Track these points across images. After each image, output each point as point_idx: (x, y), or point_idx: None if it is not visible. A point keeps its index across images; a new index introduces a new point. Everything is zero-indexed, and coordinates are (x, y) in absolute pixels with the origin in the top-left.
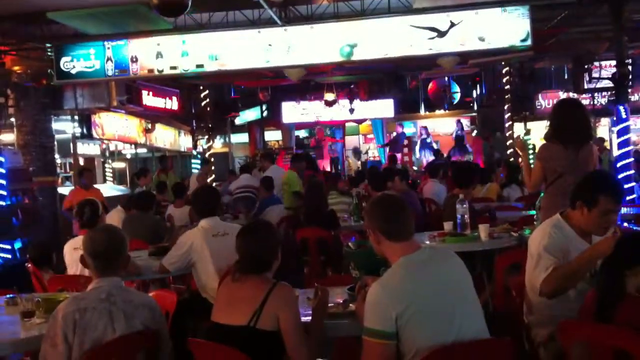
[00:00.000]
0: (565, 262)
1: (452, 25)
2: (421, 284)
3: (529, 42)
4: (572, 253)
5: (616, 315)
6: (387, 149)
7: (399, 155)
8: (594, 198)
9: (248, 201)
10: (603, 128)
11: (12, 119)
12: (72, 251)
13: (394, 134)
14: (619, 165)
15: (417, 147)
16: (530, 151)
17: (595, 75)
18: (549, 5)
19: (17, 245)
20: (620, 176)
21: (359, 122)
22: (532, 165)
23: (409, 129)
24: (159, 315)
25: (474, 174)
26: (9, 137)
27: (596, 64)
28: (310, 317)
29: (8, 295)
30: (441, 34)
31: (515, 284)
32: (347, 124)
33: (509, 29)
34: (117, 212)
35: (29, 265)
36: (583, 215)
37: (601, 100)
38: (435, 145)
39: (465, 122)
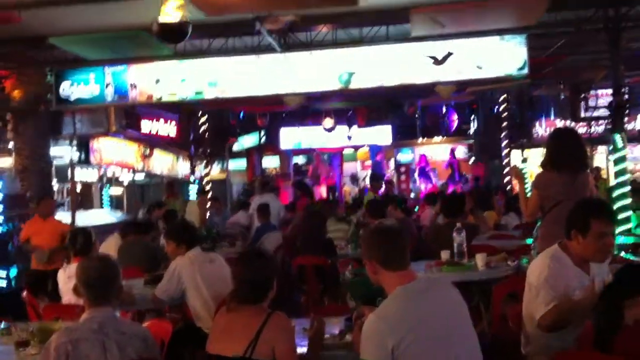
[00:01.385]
0: (565, 298)
1: (450, 54)
2: (418, 314)
3: (526, 71)
4: (572, 284)
5: (614, 345)
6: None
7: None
8: (586, 224)
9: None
10: (600, 156)
11: (11, 144)
12: (67, 279)
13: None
14: (615, 194)
15: (416, 174)
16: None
17: (592, 103)
18: (546, 33)
19: (13, 272)
20: (616, 205)
21: (357, 148)
22: (528, 194)
23: (406, 155)
24: (153, 345)
25: (462, 204)
26: (7, 161)
27: (593, 92)
28: (306, 348)
29: (2, 325)
30: (439, 62)
31: (512, 313)
32: (344, 151)
33: (507, 57)
34: (114, 239)
35: (25, 293)
36: (579, 244)
37: (598, 128)
38: (432, 174)
39: (463, 149)
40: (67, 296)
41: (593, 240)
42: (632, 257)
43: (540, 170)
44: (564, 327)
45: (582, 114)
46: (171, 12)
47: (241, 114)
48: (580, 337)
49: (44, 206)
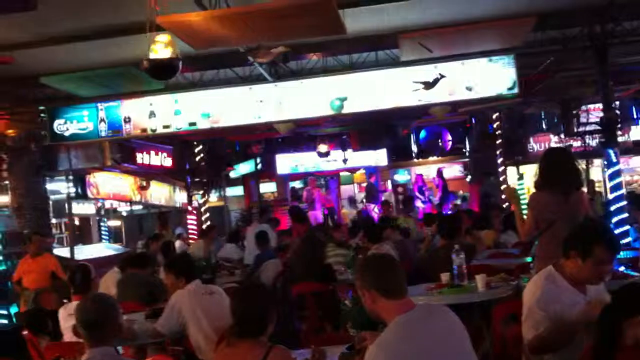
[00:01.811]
0: (558, 321)
1: (441, 77)
2: (418, 343)
3: (515, 90)
4: (566, 305)
5: None
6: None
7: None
8: (588, 248)
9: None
10: (596, 169)
11: (6, 182)
12: (67, 317)
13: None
14: (612, 208)
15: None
16: (523, 197)
17: (583, 119)
18: (534, 52)
19: (14, 309)
20: (614, 220)
21: (353, 171)
22: (523, 214)
23: (402, 176)
24: None
25: (458, 225)
26: (3, 199)
27: (583, 107)
28: None
29: None
30: (429, 85)
31: (511, 334)
32: (341, 173)
33: (496, 78)
34: (113, 274)
35: (26, 332)
36: (577, 265)
37: (592, 142)
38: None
39: (459, 168)
40: (68, 334)
41: (592, 265)
42: (631, 273)
43: (534, 190)
44: (554, 351)
45: (575, 129)
46: (160, 50)
47: (236, 143)
48: (581, 358)
49: (32, 244)
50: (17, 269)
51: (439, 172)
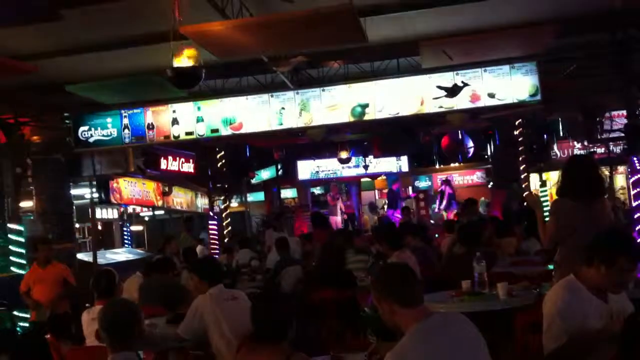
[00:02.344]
0: (579, 332)
1: (465, 85)
2: (435, 352)
3: (538, 97)
4: (588, 314)
5: None
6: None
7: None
8: (611, 257)
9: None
10: (621, 176)
11: (31, 187)
12: (90, 321)
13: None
14: (636, 216)
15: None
16: (546, 204)
17: (606, 127)
18: (557, 59)
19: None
20: (637, 227)
21: (374, 177)
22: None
23: (423, 182)
24: None
25: (480, 233)
26: (28, 204)
27: (607, 114)
28: None
29: None
30: (452, 93)
31: (535, 344)
32: (362, 180)
33: (518, 85)
34: (136, 279)
35: (48, 336)
36: (599, 273)
37: (616, 148)
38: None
39: (481, 174)
40: (91, 338)
41: (615, 273)
42: None
43: (556, 197)
44: None
45: (598, 136)
46: (184, 58)
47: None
48: None
49: (40, 253)
50: (24, 278)
51: (447, 181)
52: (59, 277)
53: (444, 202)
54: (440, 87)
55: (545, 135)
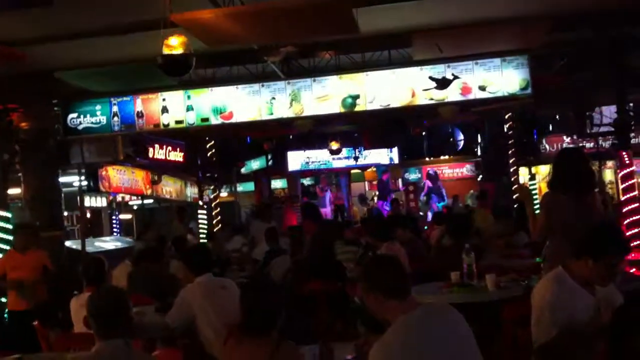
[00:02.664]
0: (568, 325)
1: (456, 78)
2: (422, 342)
3: (529, 91)
4: (576, 305)
5: None
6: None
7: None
8: (600, 252)
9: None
10: (609, 170)
11: (19, 174)
12: (79, 308)
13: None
14: (624, 210)
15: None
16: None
17: (597, 121)
18: (549, 54)
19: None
20: (626, 221)
21: (364, 169)
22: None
23: (413, 175)
24: None
25: (469, 226)
26: (16, 191)
27: (597, 109)
28: None
29: (15, 356)
30: (442, 85)
31: (523, 336)
32: (352, 171)
33: (509, 78)
34: (125, 267)
35: (36, 323)
36: (587, 267)
37: (605, 143)
38: (443, 192)
39: (470, 167)
40: (79, 325)
41: (603, 267)
42: None
43: (547, 190)
44: (565, 357)
45: (588, 131)
46: (175, 46)
47: (248, 139)
48: None
49: (20, 238)
50: None
51: (429, 175)
52: (38, 264)
53: (422, 195)
54: (432, 79)
55: (534, 130)
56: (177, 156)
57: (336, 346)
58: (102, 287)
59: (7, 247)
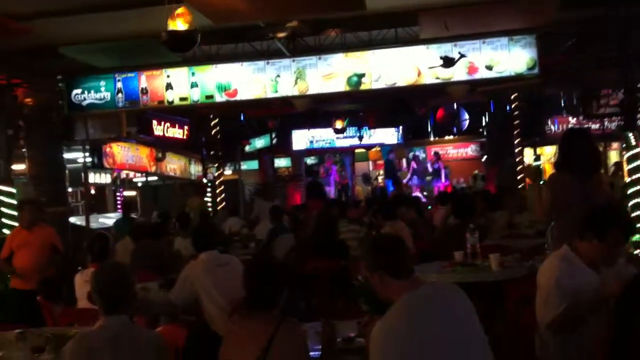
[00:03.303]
0: (575, 301)
1: (463, 56)
2: (424, 323)
3: (536, 71)
4: (581, 284)
5: (630, 357)
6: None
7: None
8: (603, 231)
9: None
10: (614, 152)
11: (24, 150)
12: (83, 284)
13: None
14: (629, 191)
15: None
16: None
17: (603, 102)
18: (556, 33)
19: None
20: (631, 203)
21: (368, 148)
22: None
23: (418, 154)
24: (167, 352)
25: (473, 206)
26: (21, 167)
27: (604, 90)
28: (319, 353)
29: (18, 330)
30: (448, 64)
31: (527, 316)
32: (356, 151)
33: (516, 57)
34: (125, 243)
35: (40, 298)
36: (592, 247)
37: (611, 124)
38: (443, 172)
39: (475, 147)
40: (83, 300)
41: (606, 247)
42: None
43: (553, 171)
44: (575, 329)
45: (595, 112)
46: (179, 22)
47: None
48: (596, 348)
49: (25, 214)
50: (6, 243)
51: (437, 155)
52: (46, 242)
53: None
54: (442, 58)
55: (540, 110)
56: (181, 133)
57: (338, 324)
58: (106, 263)
59: (14, 223)
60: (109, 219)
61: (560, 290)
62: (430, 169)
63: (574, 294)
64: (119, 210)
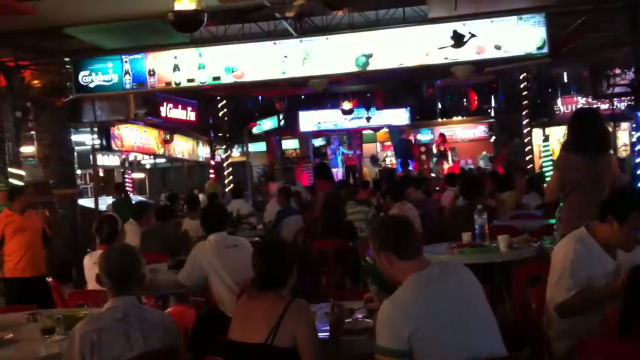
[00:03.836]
0: (588, 286)
1: (473, 36)
2: (433, 301)
3: (545, 50)
4: (596, 268)
5: (638, 333)
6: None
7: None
8: (625, 214)
9: None
10: (623, 132)
11: (32, 132)
12: (92, 266)
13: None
14: (639, 172)
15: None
16: (549, 158)
17: (613, 81)
18: (566, 12)
19: None
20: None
21: (376, 129)
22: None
23: (425, 136)
24: (176, 332)
25: (482, 187)
26: (29, 149)
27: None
28: (327, 334)
29: (28, 312)
30: (458, 43)
31: (535, 296)
32: (364, 132)
33: (526, 37)
34: (130, 226)
35: (50, 279)
36: (612, 230)
37: (620, 105)
38: (450, 155)
39: (483, 128)
40: (92, 282)
41: (627, 230)
42: None
43: (562, 151)
44: (583, 314)
45: (604, 92)
46: (186, 2)
47: (260, 98)
48: (603, 323)
49: (22, 200)
50: None
51: (442, 136)
52: (39, 227)
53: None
54: (453, 36)
55: (549, 90)
56: (189, 115)
57: (346, 305)
58: (115, 244)
59: None
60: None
61: (574, 275)
62: (435, 151)
63: (588, 279)
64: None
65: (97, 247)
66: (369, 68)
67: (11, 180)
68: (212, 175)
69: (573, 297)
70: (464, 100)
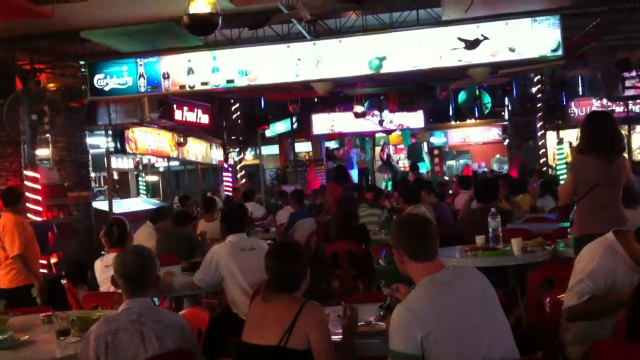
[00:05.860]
0: (602, 294)
1: (485, 38)
2: (446, 304)
3: (560, 52)
4: (619, 279)
5: None
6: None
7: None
8: None
9: None
10: (638, 135)
11: (47, 135)
12: (104, 269)
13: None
14: None
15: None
16: (563, 161)
17: (628, 84)
18: (580, 13)
19: (53, 260)
20: None
21: (389, 132)
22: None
23: (439, 138)
24: (190, 334)
25: (496, 190)
26: (45, 152)
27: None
28: (340, 337)
29: (44, 314)
30: (471, 45)
31: (550, 300)
32: (377, 135)
33: (540, 39)
34: (146, 228)
35: (65, 281)
36: None
37: (635, 107)
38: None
39: (497, 131)
40: (105, 285)
41: None
42: None
43: (576, 154)
44: (589, 321)
45: (619, 94)
46: (200, 5)
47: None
48: (616, 326)
49: (22, 205)
50: (20, 235)
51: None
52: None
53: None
54: (461, 39)
55: (563, 93)
56: (202, 118)
57: (359, 308)
58: (130, 246)
59: (37, 207)
60: (132, 204)
61: (592, 283)
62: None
63: (606, 289)
64: (141, 195)
65: (109, 251)
66: (383, 71)
67: (26, 183)
68: (242, 180)
69: (582, 304)
70: (478, 102)
